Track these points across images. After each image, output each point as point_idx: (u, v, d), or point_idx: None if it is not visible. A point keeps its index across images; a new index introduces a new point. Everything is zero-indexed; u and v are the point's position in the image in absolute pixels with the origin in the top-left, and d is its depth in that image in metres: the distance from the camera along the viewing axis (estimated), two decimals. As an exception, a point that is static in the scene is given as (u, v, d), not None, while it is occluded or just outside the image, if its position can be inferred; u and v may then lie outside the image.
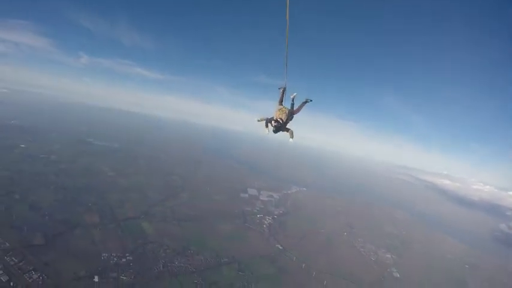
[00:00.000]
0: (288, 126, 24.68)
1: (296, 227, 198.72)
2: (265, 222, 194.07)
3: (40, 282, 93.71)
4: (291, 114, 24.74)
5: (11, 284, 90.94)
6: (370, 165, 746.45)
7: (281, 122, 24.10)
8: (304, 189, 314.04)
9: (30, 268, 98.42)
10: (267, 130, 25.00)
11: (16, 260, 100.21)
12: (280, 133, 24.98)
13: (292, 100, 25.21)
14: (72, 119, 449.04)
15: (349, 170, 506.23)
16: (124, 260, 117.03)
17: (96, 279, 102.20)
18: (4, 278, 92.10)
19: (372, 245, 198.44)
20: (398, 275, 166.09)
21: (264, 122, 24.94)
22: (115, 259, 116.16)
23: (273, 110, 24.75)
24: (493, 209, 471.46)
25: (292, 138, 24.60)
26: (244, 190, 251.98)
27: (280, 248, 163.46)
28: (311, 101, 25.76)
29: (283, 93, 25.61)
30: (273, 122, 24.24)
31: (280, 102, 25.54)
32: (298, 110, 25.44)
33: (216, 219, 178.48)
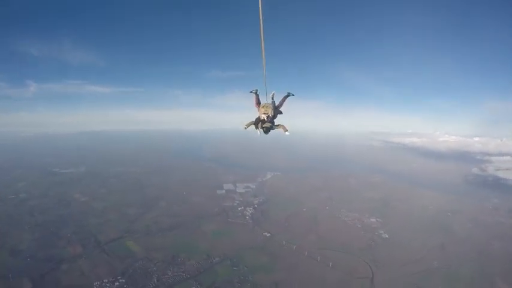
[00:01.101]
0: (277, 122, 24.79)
1: (278, 211, 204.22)
2: (247, 213, 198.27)
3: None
4: (276, 109, 25.01)
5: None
6: (340, 138, 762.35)
7: (271, 117, 24.02)
8: (279, 173, 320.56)
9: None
10: (258, 132, 24.67)
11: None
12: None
13: (272, 98, 25.46)
14: (35, 152, 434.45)
15: (321, 147, 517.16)
16: (117, 283, 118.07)
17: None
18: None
19: (356, 213, 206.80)
20: (387, 236, 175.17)
21: (252, 127, 24.85)
22: (108, 285, 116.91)
23: (251, 116, 24.56)
24: (462, 156, 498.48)
25: (287, 131, 24.68)
26: (220, 187, 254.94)
27: (268, 235, 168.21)
28: (293, 95, 26.47)
29: (257, 95, 25.53)
30: (264, 119, 23.94)
31: (258, 103, 25.30)
32: (281, 104, 25.89)
33: (198, 221, 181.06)
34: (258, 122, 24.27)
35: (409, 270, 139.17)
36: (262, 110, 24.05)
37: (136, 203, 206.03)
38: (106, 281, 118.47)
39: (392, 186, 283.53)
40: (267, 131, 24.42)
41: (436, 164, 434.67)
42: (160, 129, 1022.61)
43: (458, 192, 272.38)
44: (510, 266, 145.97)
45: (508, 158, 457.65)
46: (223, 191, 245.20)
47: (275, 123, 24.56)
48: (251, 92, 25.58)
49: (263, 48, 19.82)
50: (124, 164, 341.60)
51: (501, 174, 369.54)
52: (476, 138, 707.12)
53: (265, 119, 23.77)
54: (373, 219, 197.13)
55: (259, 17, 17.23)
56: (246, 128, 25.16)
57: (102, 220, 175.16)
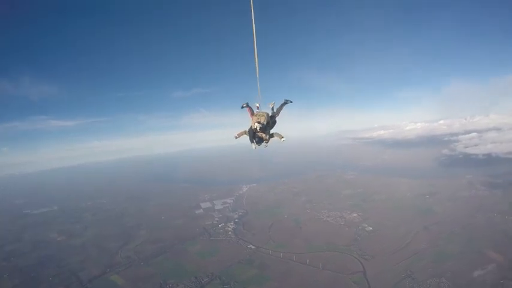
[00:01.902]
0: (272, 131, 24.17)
1: (260, 222, 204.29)
2: (229, 229, 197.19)
3: None
4: (272, 118, 24.26)
5: None
6: (311, 141, 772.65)
7: (264, 124, 23.11)
8: (255, 184, 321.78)
9: None
10: (253, 145, 23.73)
11: None
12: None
13: (272, 109, 25.03)
14: (3, 195, 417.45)
15: (294, 152, 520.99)
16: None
17: None
18: None
19: (336, 211, 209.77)
20: (371, 228, 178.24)
21: (244, 137, 24.20)
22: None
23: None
24: (431, 141, 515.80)
25: (283, 137, 24.07)
26: (197, 206, 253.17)
27: (253, 247, 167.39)
28: (291, 102, 25.73)
29: (249, 107, 24.93)
30: (256, 128, 23.02)
31: (253, 115, 24.36)
32: (278, 112, 25.17)
33: (181, 244, 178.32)
34: (252, 133, 23.44)
35: (399, 257, 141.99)
36: (255, 118, 23.37)
37: (115, 235, 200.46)
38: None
39: (368, 180, 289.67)
40: (259, 141, 23.59)
41: (406, 152, 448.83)
42: (130, 156, 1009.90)
43: (432, 175, 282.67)
44: (496, 235, 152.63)
45: (474, 134, 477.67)
46: (202, 210, 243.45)
47: (270, 132, 23.96)
48: (242, 107, 25.14)
49: (256, 57, 20.67)
50: (97, 196, 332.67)
51: (470, 150, 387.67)
52: (441, 121, 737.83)
53: (257, 128, 22.84)
54: (354, 215, 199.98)
55: (252, 27, 18.43)
56: (236, 138, 24.52)
57: (82, 258, 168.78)
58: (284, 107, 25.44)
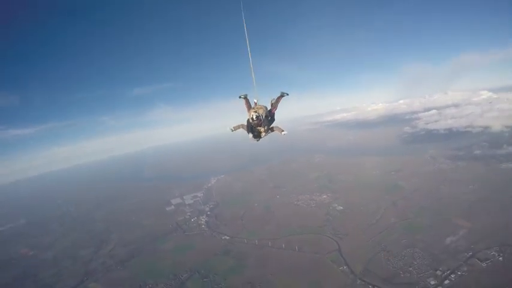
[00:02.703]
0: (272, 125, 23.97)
1: (231, 212, 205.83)
2: (202, 222, 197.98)
3: None
4: (269, 112, 24.06)
5: None
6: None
7: (261, 116, 22.88)
8: (223, 175, 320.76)
9: None
10: (250, 135, 23.36)
11: None
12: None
13: (272, 101, 24.93)
14: None
15: (260, 141, 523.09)
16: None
17: None
18: None
19: (306, 194, 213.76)
20: (341, 207, 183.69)
21: (240, 130, 23.99)
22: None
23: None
24: (392, 120, 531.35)
25: (283, 131, 23.91)
26: (168, 203, 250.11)
27: (228, 238, 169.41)
28: (287, 94, 25.24)
29: (246, 99, 24.43)
30: (253, 118, 22.63)
31: (249, 108, 24.03)
32: (275, 106, 24.87)
33: (155, 243, 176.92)
34: (250, 126, 23.05)
35: (371, 232, 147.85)
36: (252, 111, 23.07)
37: (87, 242, 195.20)
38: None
39: (335, 161, 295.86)
40: (258, 135, 23.33)
41: (369, 132, 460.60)
42: (95, 160, 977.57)
43: (396, 152, 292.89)
44: (462, 204, 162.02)
45: (434, 111, 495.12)
46: (173, 207, 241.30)
47: (270, 126, 23.86)
48: (240, 97, 24.55)
49: (250, 53, 21.32)
50: (64, 205, 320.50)
51: (431, 126, 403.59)
52: (401, 101, 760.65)
53: (253, 116, 22.49)
54: (324, 196, 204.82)
55: (243, 20, 18.19)
56: (232, 131, 24.32)
57: (56, 270, 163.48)
58: (281, 100, 25.18)
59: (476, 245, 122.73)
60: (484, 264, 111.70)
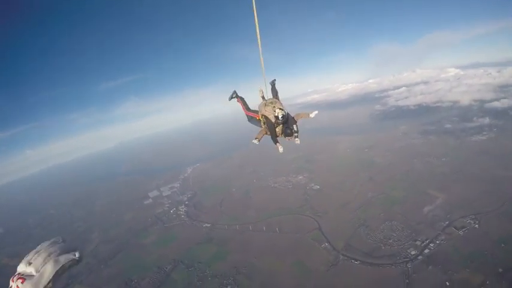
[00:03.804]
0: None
1: (210, 200, 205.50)
2: (181, 212, 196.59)
3: None
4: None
5: None
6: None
7: (288, 115, 19.05)
8: (198, 164, 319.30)
9: None
10: (280, 148, 19.76)
11: None
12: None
13: (263, 98, 21.35)
14: None
15: (231, 128, 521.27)
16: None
17: None
18: None
19: (282, 176, 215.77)
20: (318, 187, 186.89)
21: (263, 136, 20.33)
22: None
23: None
24: (363, 99, 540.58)
25: (313, 112, 20.47)
26: (145, 196, 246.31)
27: (208, 225, 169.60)
28: (275, 80, 22.14)
29: (240, 98, 21.78)
30: (278, 117, 18.74)
31: (248, 108, 21.22)
32: (278, 97, 21.39)
33: (137, 237, 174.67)
34: (273, 128, 19.28)
35: (349, 209, 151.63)
36: (270, 107, 19.32)
37: (69, 243, 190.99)
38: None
39: (309, 142, 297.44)
40: (290, 133, 19.19)
41: (341, 111, 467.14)
42: (69, 160, 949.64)
43: (369, 130, 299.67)
44: (436, 176, 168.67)
45: (403, 88, 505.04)
46: (151, 200, 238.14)
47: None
48: (232, 97, 21.89)
49: (259, 38, 18.78)
50: (43, 209, 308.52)
51: (401, 103, 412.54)
52: (371, 80, 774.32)
53: (280, 116, 18.60)
54: (300, 177, 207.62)
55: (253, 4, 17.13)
56: (257, 143, 20.25)
57: None
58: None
59: (452, 214, 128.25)
60: (461, 232, 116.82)
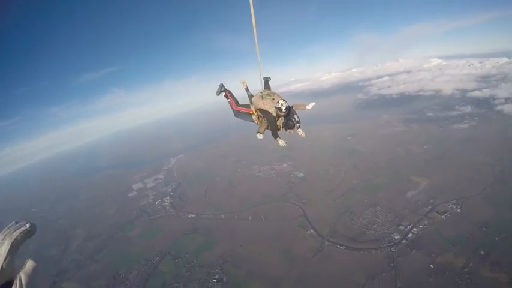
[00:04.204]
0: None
1: (194, 190, 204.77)
2: (166, 203, 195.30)
3: None
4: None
5: None
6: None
7: (290, 107, 18.23)
8: (182, 155, 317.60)
9: None
10: (281, 142, 18.49)
11: None
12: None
13: (247, 90, 20.97)
14: None
15: (214, 118, 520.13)
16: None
17: None
18: None
19: (266, 165, 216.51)
20: (302, 174, 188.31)
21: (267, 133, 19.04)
22: None
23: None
24: (346, 88, 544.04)
25: (310, 104, 19.88)
26: (130, 189, 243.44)
27: (194, 216, 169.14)
28: (270, 79, 21.98)
29: (229, 92, 20.69)
30: (281, 109, 17.72)
31: (237, 103, 20.46)
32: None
33: (123, 231, 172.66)
34: (274, 123, 18.37)
35: (334, 195, 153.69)
36: (268, 99, 18.53)
37: (54, 241, 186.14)
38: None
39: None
40: (292, 126, 18.32)
41: (324, 100, 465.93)
42: (50, 155, 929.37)
43: (351, 118, 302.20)
44: (418, 163, 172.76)
45: (386, 78, 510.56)
46: (135, 192, 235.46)
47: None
48: (220, 91, 20.54)
49: (255, 32, 18.20)
50: (25, 207, 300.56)
51: (384, 91, 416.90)
52: (354, 70, 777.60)
53: (283, 107, 17.60)
54: (284, 165, 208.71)
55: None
56: (262, 136, 19.28)
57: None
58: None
59: (435, 199, 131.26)
60: (443, 217, 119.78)
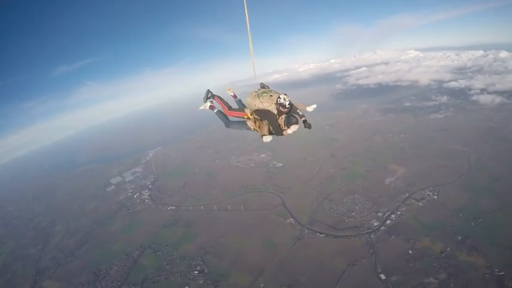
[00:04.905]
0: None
1: (173, 182, 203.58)
2: (145, 196, 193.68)
3: None
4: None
5: None
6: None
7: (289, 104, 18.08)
8: (160, 148, 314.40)
9: None
10: (267, 137, 18.80)
11: None
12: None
13: (235, 96, 21.57)
14: None
15: (188, 109, 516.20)
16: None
17: None
18: None
19: (245, 155, 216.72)
20: (281, 164, 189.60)
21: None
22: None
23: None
24: (324, 78, 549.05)
25: (311, 107, 20.06)
26: (107, 183, 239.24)
27: (173, 208, 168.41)
28: (267, 87, 21.19)
29: (218, 97, 20.86)
30: (284, 105, 17.78)
31: (229, 107, 20.53)
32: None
33: (102, 226, 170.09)
34: (276, 121, 18.23)
35: (312, 184, 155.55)
36: (266, 96, 18.19)
37: (33, 239, 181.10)
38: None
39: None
40: (296, 120, 18.05)
41: (303, 90, 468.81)
42: (25, 152, 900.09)
43: (330, 108, 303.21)
44: (395, 151, 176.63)
45: (364, 68, 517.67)
46: (113, 186, 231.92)
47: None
48: (207, 99, 20.63)
49: (249, 32, 17.92)
50: (1, 206, 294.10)
51: (361, 82, 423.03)
52: (332, 60, 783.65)
53: (286, 103, 17.67)
54: (263, 155, 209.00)
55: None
56: (270, 139, 19.10)
57: (8, 276, 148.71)
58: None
59: (412, 186, 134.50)
60: (420, 204, 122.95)
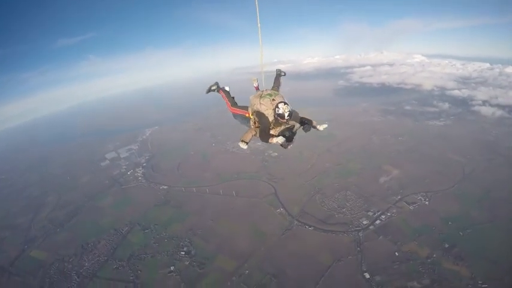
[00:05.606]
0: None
1: (168, 162, 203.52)
2: (138, 174, 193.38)
3: None
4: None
5: None
6: (206, 79, 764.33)
7: (292, 111, 17.02)
8: (157, 127, 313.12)
9: None
10: (244, 145, 18.46)
11: None
12: None
13: (279, 77, 20.62)
14: None
15: (192, 92, 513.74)
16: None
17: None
18: None
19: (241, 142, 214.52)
20: (276, 154, 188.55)
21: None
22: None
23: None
24: (328, 73, 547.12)
25: (324, 125, 19.14)
26: (102, 158, 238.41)
27: (165, 187, 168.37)
28: (284, 74, 21.64)
29: (225, 91, 20.31)
30: (284, 116, 16.62)
31: (234, 104, 19.93)
32: (278, 89, 19.74)
33: (93, 200, 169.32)
34: (267, 130, 17.28)
35: (306, 177, 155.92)
36: (267, 99, 17.10)
37: (23, 208, 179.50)
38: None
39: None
40: (291, 136, 17.28)
41: (305, 83, 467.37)
42: (20, 123, 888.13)
43: (330, 103, 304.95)
44: (391, 153, 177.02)
45: (369, 67, 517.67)
46: (108, 161, 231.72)
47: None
48: (210, 90, 19.66)
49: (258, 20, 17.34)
50: None
51: (365, 80, 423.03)
52: (337, 56, 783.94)
53: (286, 113, 16.46)
54: (259, 143, 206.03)
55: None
56: (246, 147, 18.94)
57: None
58: (281, 80, 20.54)
59: (405, 189, 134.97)
60: (411, 207, 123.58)
